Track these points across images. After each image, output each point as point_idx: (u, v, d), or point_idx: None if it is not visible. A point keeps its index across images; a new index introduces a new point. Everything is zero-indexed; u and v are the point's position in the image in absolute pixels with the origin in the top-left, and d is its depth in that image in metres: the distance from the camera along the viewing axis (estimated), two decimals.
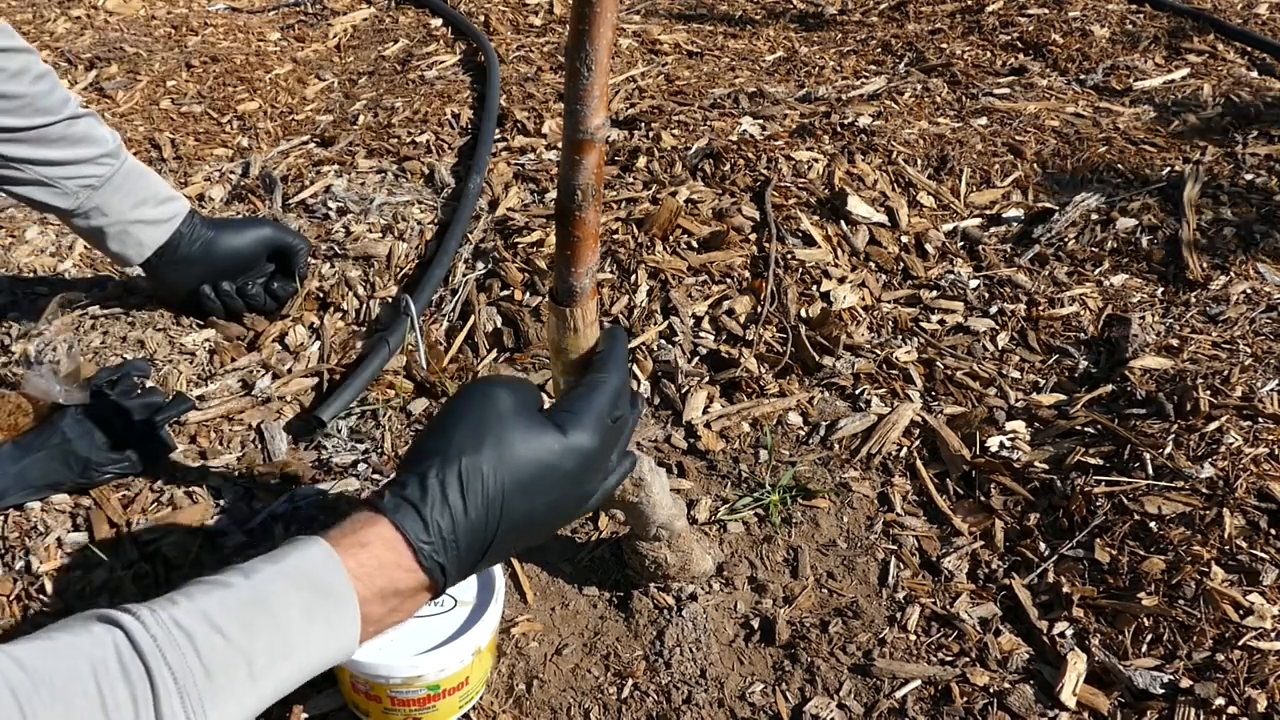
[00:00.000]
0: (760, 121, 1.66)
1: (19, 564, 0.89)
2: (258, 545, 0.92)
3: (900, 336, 1.22)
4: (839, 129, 1.60)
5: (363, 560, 0.60)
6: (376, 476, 1.01)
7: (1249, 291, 1.24)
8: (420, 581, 0.61)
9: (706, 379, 1.15)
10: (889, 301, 1.28)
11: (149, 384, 1.05)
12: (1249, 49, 2.01)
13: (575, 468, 0.66)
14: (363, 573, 0.59)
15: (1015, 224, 1.44)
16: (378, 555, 0.60)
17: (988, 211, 1.47)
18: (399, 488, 0.62)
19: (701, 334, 1.20)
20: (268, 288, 1.24)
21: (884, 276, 1.33)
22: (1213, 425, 0.98)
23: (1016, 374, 1.16)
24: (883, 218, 1.40)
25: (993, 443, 1.05)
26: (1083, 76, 1.93)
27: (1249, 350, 1.12)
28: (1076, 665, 0.80)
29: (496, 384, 0.68)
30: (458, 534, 0.61)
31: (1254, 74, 1.90)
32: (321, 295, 1.28)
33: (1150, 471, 0.95)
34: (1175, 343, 1.15)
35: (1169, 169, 1.52)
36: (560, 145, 0.73)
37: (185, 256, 1.16)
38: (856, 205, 1.39)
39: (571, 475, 0.66)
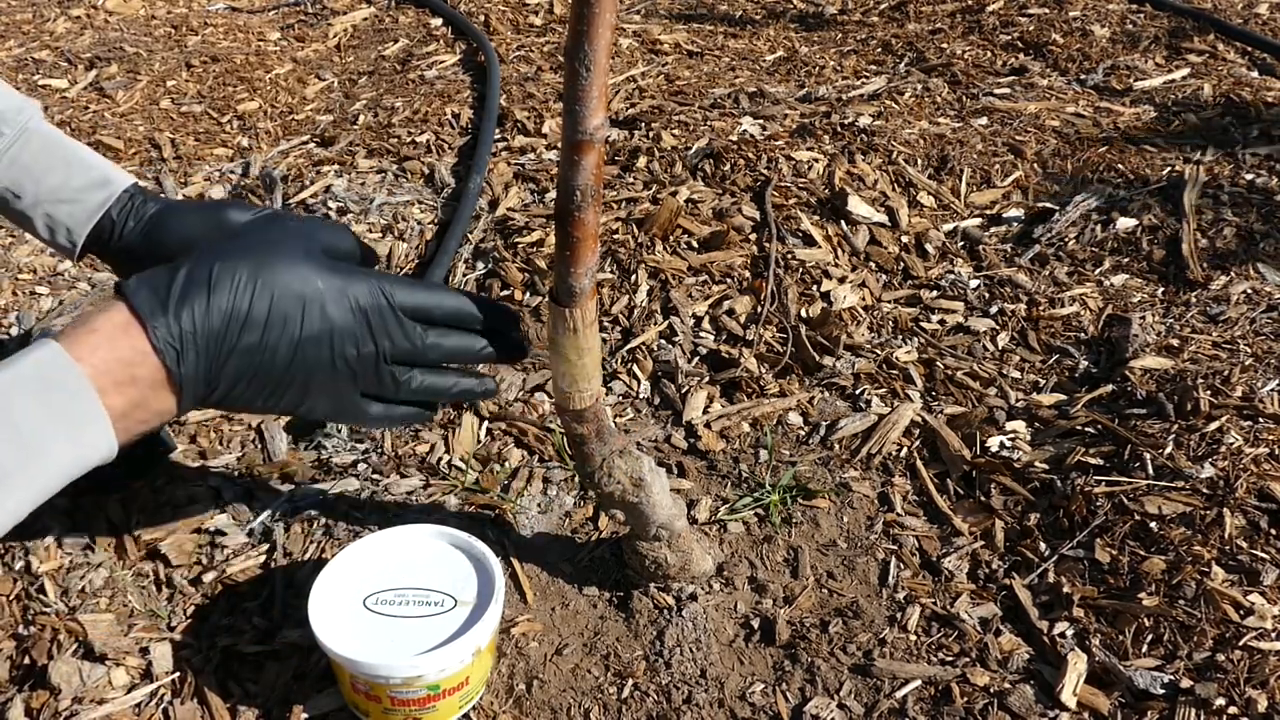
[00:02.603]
0: (760, 121, 1.66)
1: (19, 564, 0.89)
2: (257, 545, 0.92)
3: (900, 336, 1.22)
4: (839, 129, 1.60)
5: (93, 345, 0.55)
6: (376, 476, 1.01)
7: (1249, 291, 1.24)
8: (157, 368, 0.57)
9: (706, 379, 1.15)
10: (889, 301, 1.28)
11: None
12: (1249, 49, 2.01)
13: (336, 313, 0.63)
14: (95, 359, 0.55)
15: (1015, 224, 1.44)
16: (108, 338, 0.56)
17: (988, 211, 1.47)
18: (148, 274, 0.59)
19: (701, 334, 1.20)
20: None
21: (884, 276, 1.33)
22: (1213, 425, 0.98)
23: (1017, 374, 1.16)
24: (883, 218, 1.40)
25: (993, 443, 1.05)
26: (1083, 76, 1.93)
27: (1249, 350, 1.12)
28: (1077, 665, 0.80)
29: (297, 218, 0.66)
30: (196, 325, 0.58)
31: (1254, 74, 1.90)
32: None
33: (1150, 471, 0.95)
34: (1175, 343, 1.15)
35: (1169, 169, 1.52)
36: (560, 145, 0.73)
37: (128, 246, 0.90)
38: (857, 205, 1.39)
39: (329, 318, 0.63)
